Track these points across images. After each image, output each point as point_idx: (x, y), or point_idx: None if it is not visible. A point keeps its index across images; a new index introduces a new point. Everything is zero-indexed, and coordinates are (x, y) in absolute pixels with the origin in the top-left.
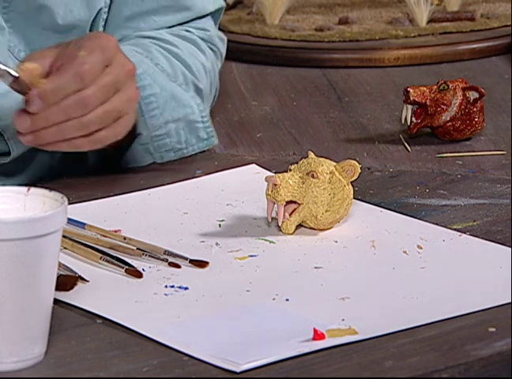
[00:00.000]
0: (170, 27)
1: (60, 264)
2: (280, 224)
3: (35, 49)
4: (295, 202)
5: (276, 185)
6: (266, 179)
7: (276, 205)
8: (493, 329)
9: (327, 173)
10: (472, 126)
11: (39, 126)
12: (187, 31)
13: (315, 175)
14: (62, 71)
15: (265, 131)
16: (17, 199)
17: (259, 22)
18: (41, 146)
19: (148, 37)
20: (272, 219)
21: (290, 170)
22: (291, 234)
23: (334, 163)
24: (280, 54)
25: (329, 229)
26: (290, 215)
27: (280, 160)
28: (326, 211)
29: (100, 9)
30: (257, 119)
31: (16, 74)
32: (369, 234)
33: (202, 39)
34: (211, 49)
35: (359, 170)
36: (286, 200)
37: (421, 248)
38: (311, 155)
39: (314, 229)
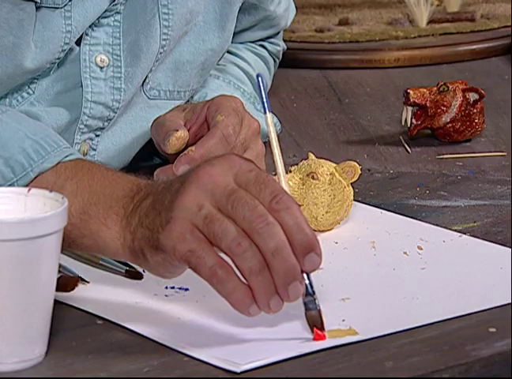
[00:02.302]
0: (253, 41)
1: (60, 266)
2: None
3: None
4: None
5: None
6: None
7: None
8: (493, 329)
9: (327, 174)
10: (472, 128)
11: None
12: (262, 45)
13: (315, 176)
14: (209, 136)
15: None
16: (18, 199)
17: None
18: None
19: (228, 52)
20: None
21: (290, 171)
22: None
23: (334, 165)
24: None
25: (329, 230)
26: None
27: None
28: (326, 212)
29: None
30: None
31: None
32: (369, 235)
33: (272, 53)
34: (274, 61)
35: (360, 172)
36: None
37: (421, 249)
38: (311, 156)
39: (315, 230)
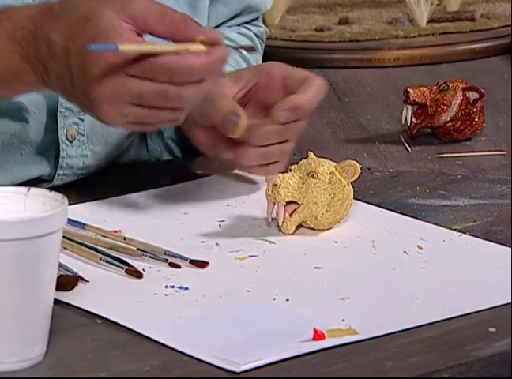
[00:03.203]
0: (238, 25)
1: (60, 265)
2: (280, 224)
3: None
4: (295, 202)
5: (276, 185)
6: (266, 180)
7: (276, 206)
8: (493, 329)
9: (327, 173)
10: (472, 127)
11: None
12: (245, 27)
13: (315, 175)
14: (307, 86)
15: None
16: (18, 199)
17: None
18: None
19: None
20: (273, 219)
21: (290, 170)
22: (292, 234)
23: (334, 164)
24: (280, 54)
25: (329, 229)
26: (290, 215)
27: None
28: (326, 211)
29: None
30: None
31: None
32: (369, 234)
33: (256, 35)
34: (260, 45)
35: (360, 171)
36: (286, 200)
37: (421, 248)
38: (311, 155)
39: (314, 229)
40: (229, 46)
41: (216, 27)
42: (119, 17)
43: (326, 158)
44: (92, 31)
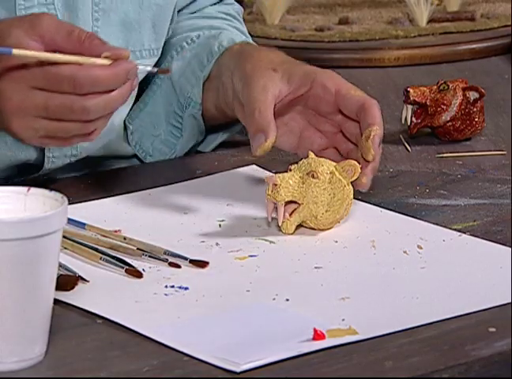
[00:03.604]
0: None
1: (60, 265)
2: (280, 224)
3: None
4: (295, 202)
5: (276, 185)
6: (266, 180)
7: (276, 205)
8: (493, 329)
9: (327, 173)
10: (472, 126)
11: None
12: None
13: (315, 175)
14: (375, 112)
15: None
16: (17, 199)
17: (259, 22)
18: None
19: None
20: (273, 219)
21: (290, 170)
22: (292, 234)
23: (334, 164)
24: None
25: (329, 229)
26: (290, 215)
27: (280, 160)
28: (326, 211)
29: None
30: None
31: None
32: (369, 234)
33: (238, 13)
34: (240, 23)
35: (360, 171)
36: (286, 200)
37: (421, 248)
38: (311, 155)
39: (314, 229)
40: (139, 67)
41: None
42: (27, 35)
43: (326, 158)
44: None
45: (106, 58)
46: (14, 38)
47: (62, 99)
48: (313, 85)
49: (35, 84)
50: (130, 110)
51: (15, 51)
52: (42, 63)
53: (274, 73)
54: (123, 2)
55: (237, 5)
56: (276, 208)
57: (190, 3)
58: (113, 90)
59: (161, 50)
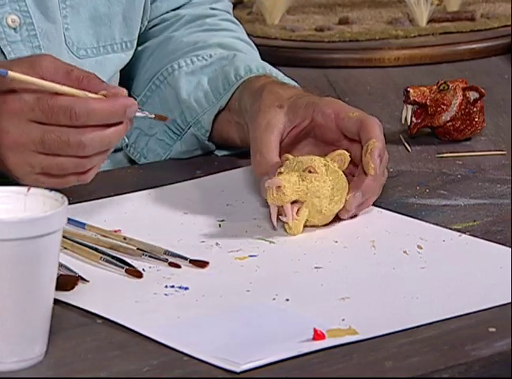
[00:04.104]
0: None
1: (60, 265)
2: (290, 225)
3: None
4: (296, 201)
5: (279, 187)
6: (267, 184)
7: (280, 208)
8: (493, 329)
9: (322, 166)
10: (472, 126)
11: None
12: (212, 8)
13: (313, 170)
14: (372, 126)
15: None
16: (17, 199)
17: (259, 22)
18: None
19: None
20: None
21: (280, 172)
22: (300, 233)
23: (322, 157)
24: (280, 54)
25: (329, 223)
26: (296, 214)
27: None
28: (329, 203)
29: None
30: None
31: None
32: (369, 234)
33: (229, 12)
34: (234, 22)
35: (349, 159)
36: (292, 199)
37: (421, 248)
38: (290, 156)
39: (317, 226)
40: (140, 110)
41: (177, 8)
42: (26, 75)
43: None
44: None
45: (103, 96)
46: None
47: (58, 133)
48: (313, 115)
49: (32, 116)
50: None
51: (10, 73)
52: (38, 96)
53: (279, 110)
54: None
55: (225, 1)
56: (279, 211)
57: None
58: (109, 126)
59: (136, 41)
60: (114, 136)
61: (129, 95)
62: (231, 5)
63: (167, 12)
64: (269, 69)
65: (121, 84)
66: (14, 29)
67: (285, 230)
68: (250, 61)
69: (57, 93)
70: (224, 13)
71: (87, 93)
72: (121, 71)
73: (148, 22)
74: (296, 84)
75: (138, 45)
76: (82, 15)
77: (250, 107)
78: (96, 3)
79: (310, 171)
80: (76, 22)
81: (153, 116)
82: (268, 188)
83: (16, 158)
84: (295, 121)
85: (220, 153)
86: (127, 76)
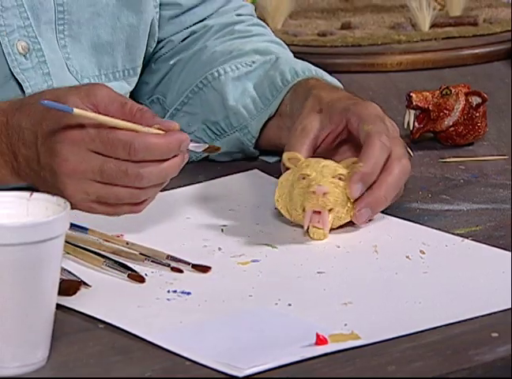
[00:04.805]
0: (210, 15)
1: (63, 269)
2: (324, 232)
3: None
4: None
5: (326, 193)
6: (315, 190)
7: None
8: (496, 334)
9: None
10: (474, 131)
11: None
12: (238, 14)
13: (343, 178)
14: (369, 147)
15: None
16: (20, 204)
17: None
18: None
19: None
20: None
21: (304, 178)
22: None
23: (338, 164)
24: None
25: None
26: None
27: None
28: (346, 211)
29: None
30: None
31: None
32: (371, 239)
33: (253, 15)
34: (258, 24)
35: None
36: (331, 207)
37: (424, 253)
38: (304, 159)
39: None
40: (193, 142)
41: (190, 9)
42: (82, 103)
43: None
44: (57, 116)
45: (158, 129)
46: (71, 104)
47: (117, 164)
48: (348, 121)
49: (92, 147)
50: None
51: (76, 111)
52: (99, 127)
53: (317, 115)
54: (95, 27)
55: (249, 5)
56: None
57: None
58: (165, 160)
59: (139, 69)
60: (171, 169)
61: (163, 108)
62: (253, 7)
63: (194, 24)
64: (314, 69)
65: (157, 98)
66: (24, 56)
67: (310, 235)
68: (294, 63)
69: (117, 128)
70: (250, 17)
71: (149, 128)
72: (156, 86)
73: (176, 34)
74: (340, 84)
75: (170, 59)
76: (84, 44)
77: (296, 112)
78: (98, 31)
79: (340, 179)
80: (77, 51)
81: (207, 147)
82: (313, 193)
83: (74, 185)
84: (330, 127)
85: (271, 160)
86: (161, 90)
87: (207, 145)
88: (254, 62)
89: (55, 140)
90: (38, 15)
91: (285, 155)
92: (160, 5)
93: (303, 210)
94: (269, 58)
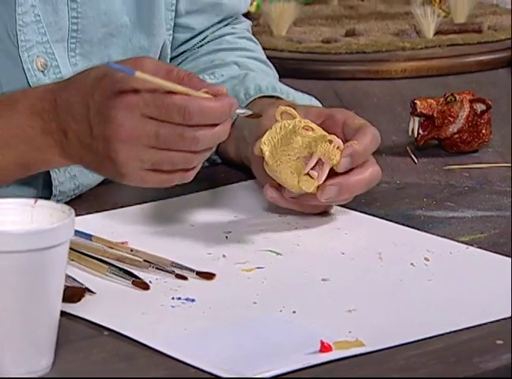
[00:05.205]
0: (211, 26)
1: (67, 276)
2: (316, 185)
3: None
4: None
5: (339, 147)
6: (330, 140)
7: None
8: (500, 342)
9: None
10: (479, 138)
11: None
12: (233, 27)
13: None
14: (363, 133)
15: None
16: (24, 211)
17: (266, 34)
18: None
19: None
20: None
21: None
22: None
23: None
24: (287, 65)
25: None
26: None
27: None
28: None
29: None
30: None
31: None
32: (376, 246)
33: (249, 31)
34: (252, 40)
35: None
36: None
37: (428, 260)
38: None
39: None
40: (240, 108)
41: (201, 33)
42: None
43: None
44: (109, 83)
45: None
46: (121, 74)
47: (172, 128)
48: (325, 118)
49: (147, 112)
50: None
51: (138, 73)
52: (154, 92)
53: (291, 110)
54: (106, 46)
55: (245, 22)
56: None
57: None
58: (216, 125)
59: None
60: (223, 133)
61: None
62: (251, 23)
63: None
64: (279, 87)
65: None
66: (43, 72)
67: (299, 184)
68: (261, 80)
69: (171, 92)
70: (243, 31)
71: (201, 93)
72: None
73: (185, 52)
74: (313, 99)
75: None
76: (94, 62)
77: (250, 122)
78: (109, 51)
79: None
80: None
81: (251, 113)
82: (329, 142)
83: (128, 152)
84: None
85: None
86: None
87: (251, 112)
88: (223, 75)
89: (110, 106)
90: (52, 32)
91: (279, 109)
92: (174, 26)
93: (298, 158)
94: (239, 74)
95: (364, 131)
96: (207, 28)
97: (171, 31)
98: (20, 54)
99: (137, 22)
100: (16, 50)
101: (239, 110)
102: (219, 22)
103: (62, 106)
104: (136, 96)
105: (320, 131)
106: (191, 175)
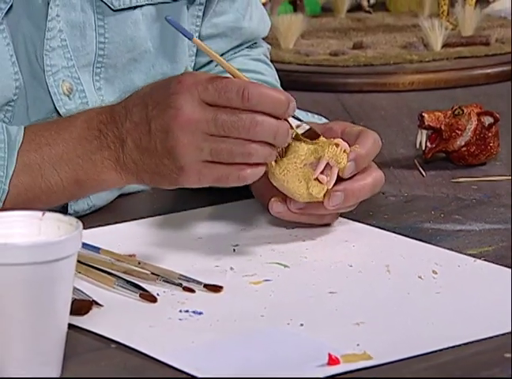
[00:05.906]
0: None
1: (74, 289)
2: (325, 189)
3: None
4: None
5: (345, 150)
6: (337, 143)
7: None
8: (509, 355)
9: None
10: (487, 151)
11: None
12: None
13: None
14: (365, 137)
15: None
16: (32, 223)
17: (274, 46)
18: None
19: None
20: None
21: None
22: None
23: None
24: (295, 78)
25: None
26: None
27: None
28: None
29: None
30: None
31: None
32: (384, 258)
33: (266, 56)
34: (268, 65)
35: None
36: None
37: (436, 273)
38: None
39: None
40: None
41: (222, 55)
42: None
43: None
44: (167, 80)
45: None
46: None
47: (231, 112)
48: (324, 132)
49: (205, 95)
50: None
51: (195, 39)
52: (212, 75)
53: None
54: (130, 71)
55: (265, 47)
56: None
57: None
58: (274, 118)
59: None
60: (281, 129)
61: None
62: (269, 48)
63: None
64: None
65: None
66: (68, 96)
67: (309, 190)
68: None
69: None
70: (259, 53)
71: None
72: None
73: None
74: (323, 118)
75: None
76: (116, 87)
77: None
78: (132, 76)
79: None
80: (110, 93)
81: (309, 128)
82: (336, 145)
83: (187, 139)
84: None
85: None
86: None
87: (308, 126)
88: None
89: (169, 93)
90: (78, 57)
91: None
92: (197, 51)
93: (304, 165)
94: None
95: (365, 135)
96: (226, 51)
97: (194, 57)
98: (46, 79)
99: (161, 48)
100: (43, 74)
101: (295, 121)
102: (238, 46)
103: (119, 114)
104: (195, 78)
105: (323, 139)
106: (248, 176)
